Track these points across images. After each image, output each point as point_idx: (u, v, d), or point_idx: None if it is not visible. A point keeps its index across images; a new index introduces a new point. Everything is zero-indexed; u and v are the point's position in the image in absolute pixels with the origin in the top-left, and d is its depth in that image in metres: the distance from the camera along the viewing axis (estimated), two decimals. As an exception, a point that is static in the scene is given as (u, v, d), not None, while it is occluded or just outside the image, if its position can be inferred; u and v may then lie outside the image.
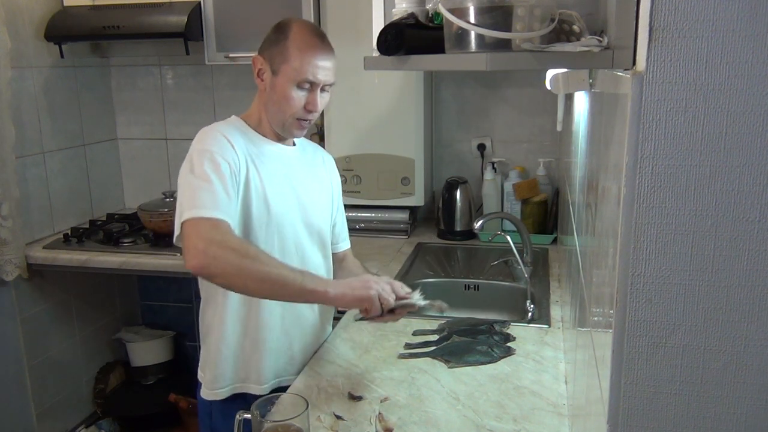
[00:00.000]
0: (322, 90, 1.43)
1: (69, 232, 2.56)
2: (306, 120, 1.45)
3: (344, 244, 1.71)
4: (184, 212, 1.27)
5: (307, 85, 1.40)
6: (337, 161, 1.74)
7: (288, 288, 1.26)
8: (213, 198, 1.28)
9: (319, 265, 1.56)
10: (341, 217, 1.70)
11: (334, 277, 1.64)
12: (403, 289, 1.37)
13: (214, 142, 1.36)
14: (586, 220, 1.09)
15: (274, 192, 1.43)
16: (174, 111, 2.97)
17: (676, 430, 0.65)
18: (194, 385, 1.57)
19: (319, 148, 1.68)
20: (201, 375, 1.54)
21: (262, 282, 1.25)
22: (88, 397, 2.83)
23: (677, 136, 0.59)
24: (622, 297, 0.64)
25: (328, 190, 1.62)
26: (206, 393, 1.51)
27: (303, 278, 1.27)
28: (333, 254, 1.66)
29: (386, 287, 1.32)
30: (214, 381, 1.50)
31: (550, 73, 1.74)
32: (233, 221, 1.32)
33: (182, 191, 1.32)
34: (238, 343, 1.48)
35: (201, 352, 1.55)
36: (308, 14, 2.35)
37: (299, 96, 1.41)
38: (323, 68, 1.40)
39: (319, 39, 1.41)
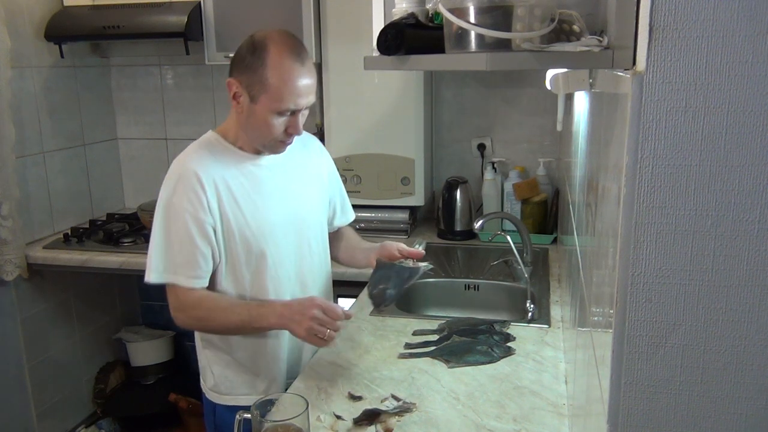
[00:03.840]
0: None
1: (69, 232, 2.56)
2: (288, 141, 1.42)
3: (341, 220, 1.72)
4: (162, 271, 1.39)
5: (288, 113, 1.36)
6: (337, 161, 1.74)
7: (242, 331, 1.46)
8: (185, 261, 1.37)
9: (319, 270, 1.59)
10: (339, 196, 1.69)
11: (339, 254, 1.72)
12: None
13: (187, 196, 1.36)
14: (586, 220, 1.09)
15: (257, 211, 1.43)
16: (174, 111, 2.97)
17: (676, 430, 0.65)
18: (194, 385, 1.58)
19: (305, 135, 1.53)
20: (205, 384, 1.56)
21: (223, 331, 1.47)
22: (88, 397, 2.83)
23: (677, 136, 0.59)
24: (622, 297, 0.64)
25: (319, 183, 1.60)
26: (214, 397, 1.53)
27: (251, 320, 1.39)
28: (335, 233, 1.70)
29: (319, 315, 1.33)
30: (226, 391, 1.52)
31: (550, 73, 1.75)
32: (203, 278, 1.41)
33: (158, 242, 1.39)
34: (243, 350, 1.50)
35: (202, 361, 1.55)
36: (308, 14, 2.35)
37: (280, 122, 1.36)
38: (305, 92, 1.35)
39: (299, 62, 1.33)
